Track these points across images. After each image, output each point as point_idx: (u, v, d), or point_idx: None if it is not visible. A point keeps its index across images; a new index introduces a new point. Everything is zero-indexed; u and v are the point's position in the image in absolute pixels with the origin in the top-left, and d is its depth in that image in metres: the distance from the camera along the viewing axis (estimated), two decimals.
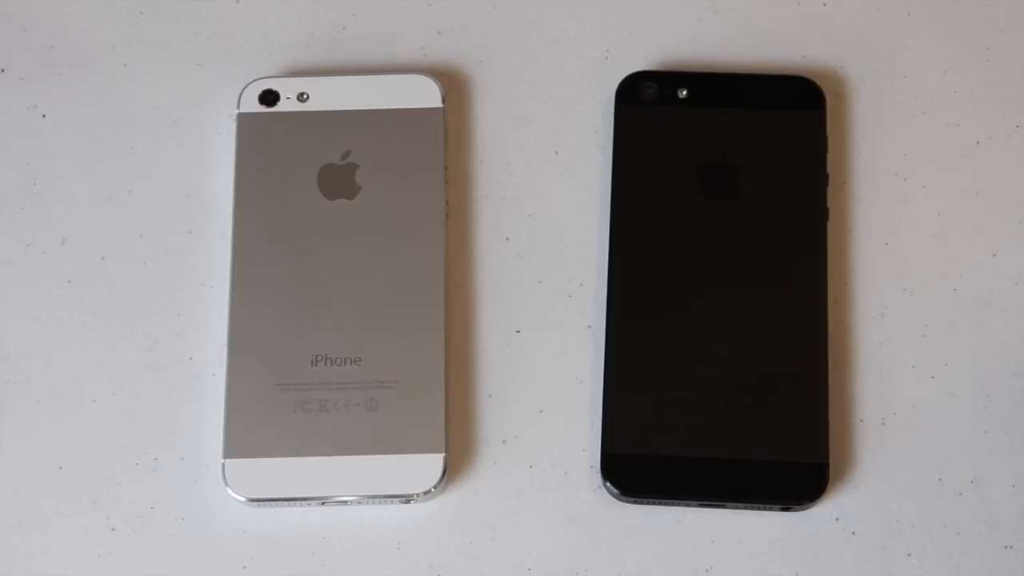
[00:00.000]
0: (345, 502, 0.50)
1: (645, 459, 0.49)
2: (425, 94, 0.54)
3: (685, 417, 0.49)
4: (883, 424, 0.51)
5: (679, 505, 0.49)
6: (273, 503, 0.49)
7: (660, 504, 0.49)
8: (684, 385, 0.49)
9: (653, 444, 0.49)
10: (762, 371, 0.50)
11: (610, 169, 0.53)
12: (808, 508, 0.49)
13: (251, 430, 0.50)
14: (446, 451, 0.50)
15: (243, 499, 0.49)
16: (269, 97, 0.54)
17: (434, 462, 0.49)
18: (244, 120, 0.54)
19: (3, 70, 0.56)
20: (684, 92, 0.53)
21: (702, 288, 0.51)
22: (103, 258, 0.54)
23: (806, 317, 0.50)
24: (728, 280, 0.51)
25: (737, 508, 0.49)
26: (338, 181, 0.53)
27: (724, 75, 0.53)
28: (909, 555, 0.49)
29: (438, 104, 0.54)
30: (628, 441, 0.49)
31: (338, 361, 0.50)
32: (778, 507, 0.49)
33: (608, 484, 0.49)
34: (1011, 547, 0.49)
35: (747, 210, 0.51)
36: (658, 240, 0.51)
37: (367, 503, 0.50)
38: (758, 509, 0.49)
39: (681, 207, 0.51)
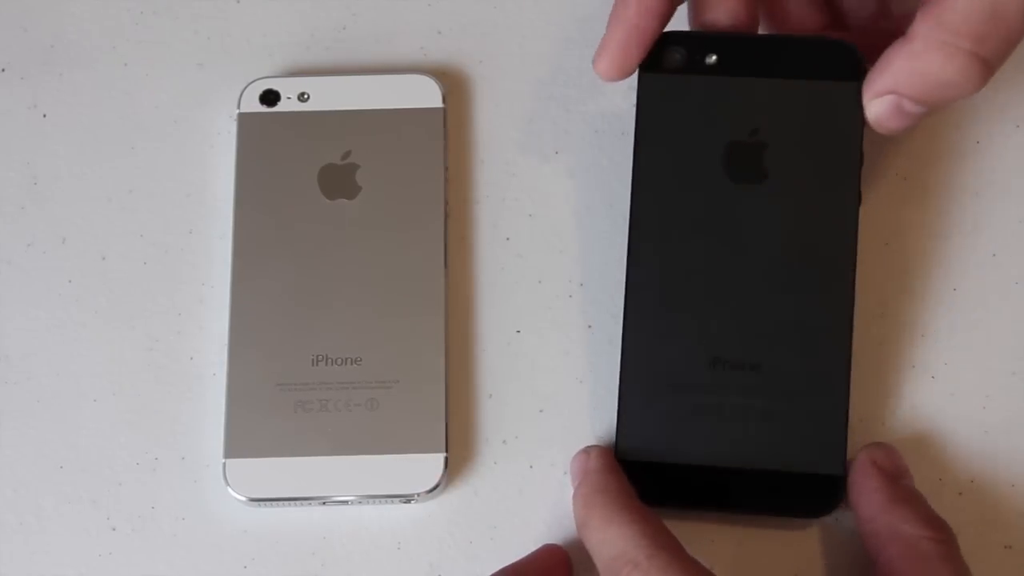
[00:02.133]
0: (346, 502, 0.50)
1: (658, 467, 0.48)
2: (425, 94, 0.54)
3: (699, 424, 0.47)
4: (883, 425, 0.51)
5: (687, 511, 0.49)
6: (274, 503, 0.50)
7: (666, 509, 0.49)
8: (700, 390, 0.47)
9: (667, 452, 0.47)
10: (782, 376, 0.47)
11: (612, 166, 0.52)
12: (820, 518, 0.48)
13: (252, 430, 0.50)
14: (446, 451, 0.50)
15: (244, 499, 0.49)
16: (269, 97, 0.54)
17: (434, 462, 0.49)
18: (244, 120, 0.54)
19: (3, 70, 0.56)
20: (713, 58, 0.48)
21: (724, 282, 0.48)
22: (103, 258, 0.54)
23: (832, 318, 0.47)
24: (751, 275, 0.48)
25: (748, 517, 0.49)
26: (338, 181, 0.53)
27: (757, 39, 0.49)
28: None
29: (438, 104, 0.54)
30: (641, 448, 0.48)
31: (339, 361, 0.51)
32: (790, 518, 0.48)
33: None
34: (1011, 547, 0.49)
35: (775, 195, 0.48)
36: (679, 229, 0.48)
37: (367, 503, 0.50)
38: (769, 518, 0.49)
39: (705, 191, 0.48)
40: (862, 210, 0.52)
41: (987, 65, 0.43)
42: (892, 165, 0.53)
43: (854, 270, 0.48)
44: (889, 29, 0.48)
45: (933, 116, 0.53)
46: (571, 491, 0.50)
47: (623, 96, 0.54)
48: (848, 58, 0.48)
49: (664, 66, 0.49)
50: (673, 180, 0.49)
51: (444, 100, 0.54)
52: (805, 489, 0.47)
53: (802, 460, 0.47)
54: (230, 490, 0.49)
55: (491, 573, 0.46)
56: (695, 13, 0.49)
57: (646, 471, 0.47)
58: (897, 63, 0.44)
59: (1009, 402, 0.51)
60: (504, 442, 0.51)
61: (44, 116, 0.55)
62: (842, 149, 0.48)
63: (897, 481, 0.47)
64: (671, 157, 0.49)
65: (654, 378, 0.48)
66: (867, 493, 0.47)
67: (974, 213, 0.53)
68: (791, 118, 0.48)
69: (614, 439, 0.48)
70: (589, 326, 0.52)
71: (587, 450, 0.48)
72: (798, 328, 0.47)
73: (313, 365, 0.50)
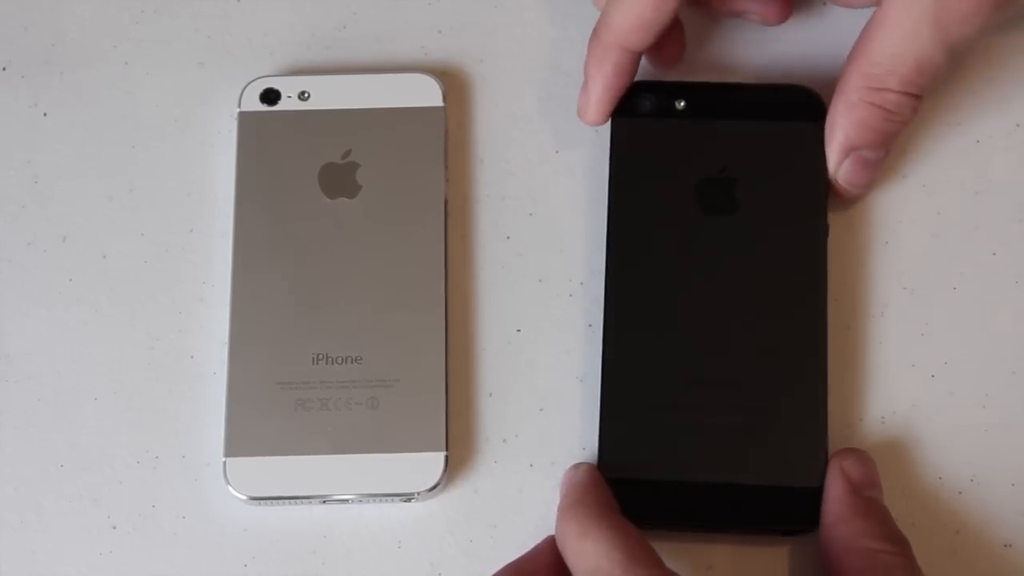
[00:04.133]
0: (346, 501, 0.50)
1: (638, 484, 0.48)
2: (426, 93, 0.54)
3: (680, 441, 0.48)
4: (883, 423, 0.51)
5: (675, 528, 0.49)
6: (274, 501, 0.50)
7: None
8: (680, 408, 0.48)
9: (648, 470, 0.48)
10: (760, 395, 0.48)
11: (608, 174, 0.52)
12: (806, 533, 0.48)
13: (252, 428, 0.50)
14: (447, 450, 0.50)
15: (244, 497, 0.49)
16: (270, 96, 0.54)
17: (435, 461, 0.50)
18: (245, 119, 0.54)
19: (4, 69, 0.56)
20: (682, 103, 0.52)
21: (700, 307, 0.49)
22: (104, 256, 0.54)
23: (806, 339, 0.49)
24: (726, 300, 0.49)
25: (733, 533, 0.49)
26: (339, 180, 0.53)
27: (722, 86, 0.52)
28: None
29: (439, 103, 0.54)
30: (624, 466, 0.48)
31: (339, 360, 0.51)
32: (776, 533, 0.49)
33: None
34: (1011, 546, 0.50)
35: (746, 226, 0.50)
36: (656, 258, 0.50)
37: (368, 502, 0.50)
38: (754, 534, 0.49)
39: (679, 223, 0.50)
40: (862, 210, 0.53)
41: (919, 98, 0.49)
42: (892, 165, 0.53)
43: (825, 294, 0.49)
44: None
45: (933, 115, 0.54)
46: None
47: None
48: (808, 101, 0.51)
49: (636, 111, 0.52)
50: (647, 214, 0.51)
51: (444, 99, 0.54)
52: (785, 507, 0.48)
53: (781, 478, 0.48)
54: (230, 489, 0.49)
55: (495, 572, 0.46)
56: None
57: (626, 488, 0.48)
58: (844, 120, 0.49)
59: (1009, 401, 0.51)
60: (504, 441, 0.51)
61: (45, 115, 0.55)
62: (808, 183, 0.50)
63: (862, 492, 0.47)
64: (645, 193, 0.51)
65: (634, 398, 0.49)
66: (830, 501, 0.47)
67: (974, 213, 0.53)
68: (758, 156, 0.51)
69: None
70: (589, 325, 0.52)
71: (576, 465, 0.49)
72: (774, 349, 0.49)
73: (313, 364, 0.51)
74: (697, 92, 0.52)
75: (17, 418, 0.52)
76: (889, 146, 0.51)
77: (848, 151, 0.50)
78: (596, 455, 0.49)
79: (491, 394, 0.52)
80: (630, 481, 0.48)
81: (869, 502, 0.47)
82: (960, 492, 0.50)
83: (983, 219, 0.53)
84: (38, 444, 0.52)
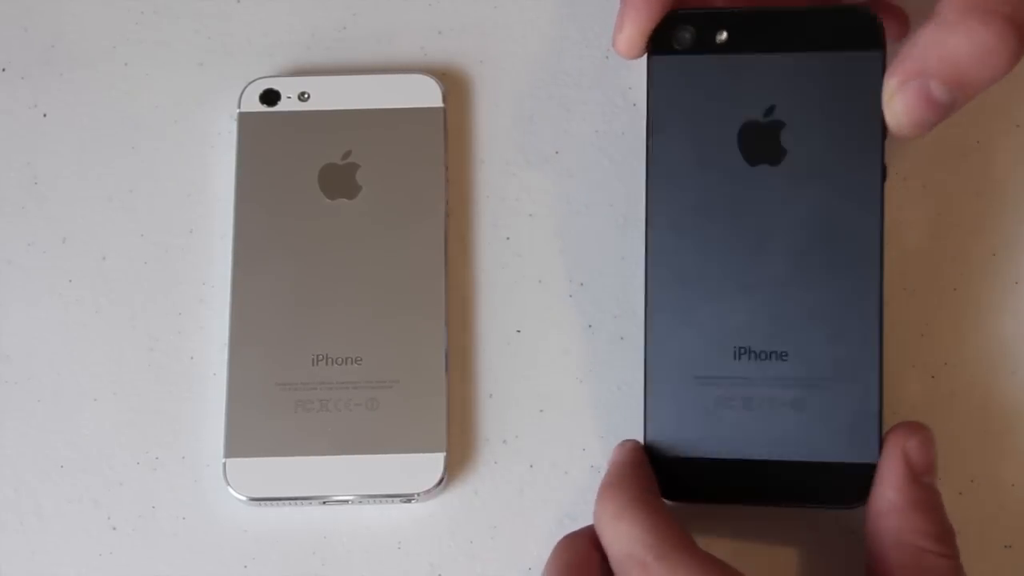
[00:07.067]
0: (346, 501, 0.50)
1: (688, 462, 0.47)
2: (426, 94, 0.54)
3: (726, 417, 0.46)
4: (883, 424, 0.51)
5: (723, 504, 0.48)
6: (274, 502, 0.50)
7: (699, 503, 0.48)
8: (727, 381, 0.46)
9: (696, 446, 0.46)
10: (812, 363, 0.46)
11: (612, 166, 0.52)
12: (855, 507, 0.47)
13: (252, 429, 0.50)
14: (447, 451, 0.50)
15: (244, 498, 0.49)
16: (270, 97, 0.54)
17: (435, 461, 0.50)
18: (245, 120, 0.54)
19: (4, 69, 0.56)
20: (724, 35, 0.47)
21: (747, 269, 0.46)
22: (104, 257, 0.54)
23: (861, 300, 0.46)
24: (776, 258, 0.46)
25: (781, 508, 0.48)
26: (339, 181, 0.53)
27: (769, 12, 0.47)
28: None
29: (439, 104, 0.54)
30: (669, 443, 0.47)
31: (339, 361, 0.51)
32: (825, 508, 0.47)
33: None
34: (1011, 547, 0.50)
35: (795, 174, 0.46)
36: (698, 215, 0.47)
37: (368, 502, 0.50)
38: (803, 508, 0.47)
39: (723, 174, 0.47)
40: None
41: (1021, 49, 0.40)
42: (892, 165, 0.53)
43: (882, 249, 0.46)
44: None
45: None
46: (570, 491, 0.50)
47: (623, 96, 0.54)
48: (866, 26, 0.46)
49: (674, 47, 0.47)
50: (689, 166, 0.47)
51: (444, 100, 0.54)
52: (838, 478, 0.46)
53: (835, 449, 0.46)
54: (230, 490, 0.49)
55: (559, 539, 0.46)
56: None
57: (676, 466, 0.47)
58: (925, 40, 0.42)
59: (1009, 402, 0.51)
60: (504, 442, 0.51)
61: (44, 116, 0.55)
62: (864, 122, 0.46)
63: (919, 480, 0.45)
64: (686, 142, 0.47)
65: (679, 371, 0.47)
66: (887, 486, 0.45)
67: (974, 213, 0.53)
68: (808, 93, 0.46)
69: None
70: (589, 326, 0.52)
71: (623, 442, 0.47)
72: (826, 313, 0.46)
73: (313, 365, 0.51)
74: (740, 21, 0.47)
75: (17, 419, 0.52)
76: (962, 95, 0.42)
77: (915, 76, 0.42)
78: (603, 452, 0.49)
79: (491, 395, 0.52)
80: (677, 458, 0.46)
81: (927, 493, 0.45)
82: (960, 493, 0.50)
83: (983, 220, 0.53)
84: (38, 445, 0.52)
